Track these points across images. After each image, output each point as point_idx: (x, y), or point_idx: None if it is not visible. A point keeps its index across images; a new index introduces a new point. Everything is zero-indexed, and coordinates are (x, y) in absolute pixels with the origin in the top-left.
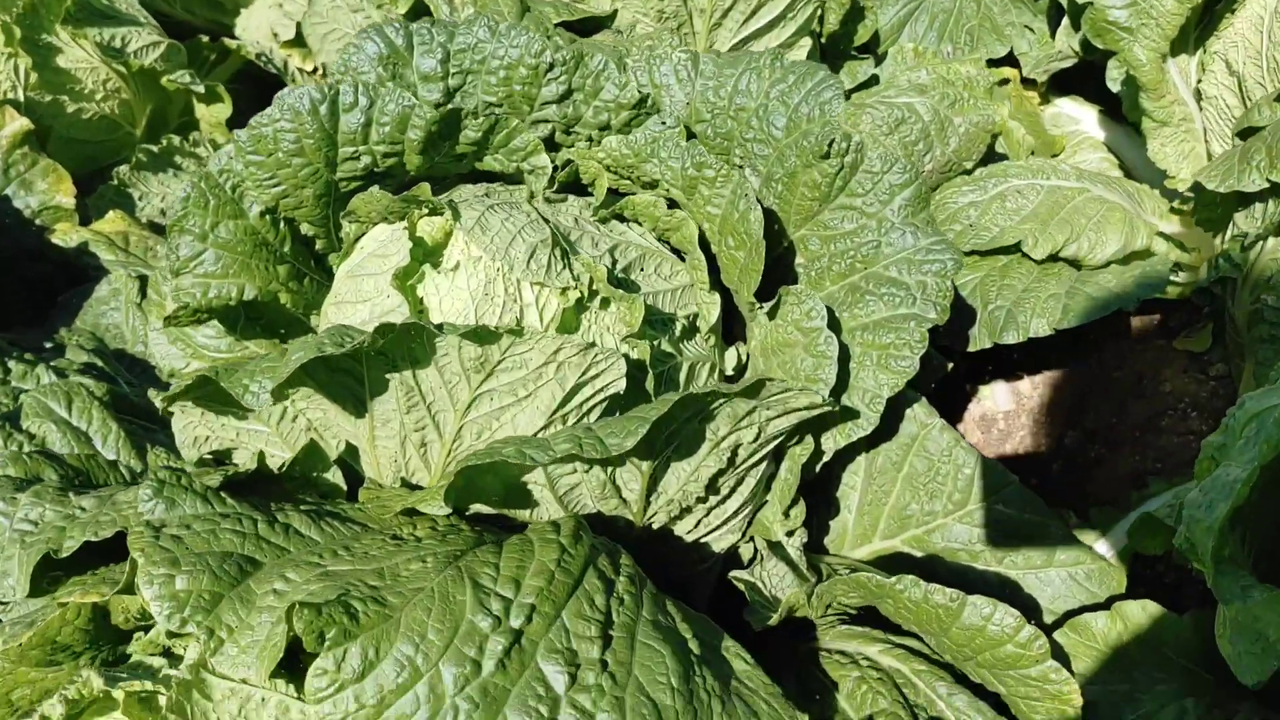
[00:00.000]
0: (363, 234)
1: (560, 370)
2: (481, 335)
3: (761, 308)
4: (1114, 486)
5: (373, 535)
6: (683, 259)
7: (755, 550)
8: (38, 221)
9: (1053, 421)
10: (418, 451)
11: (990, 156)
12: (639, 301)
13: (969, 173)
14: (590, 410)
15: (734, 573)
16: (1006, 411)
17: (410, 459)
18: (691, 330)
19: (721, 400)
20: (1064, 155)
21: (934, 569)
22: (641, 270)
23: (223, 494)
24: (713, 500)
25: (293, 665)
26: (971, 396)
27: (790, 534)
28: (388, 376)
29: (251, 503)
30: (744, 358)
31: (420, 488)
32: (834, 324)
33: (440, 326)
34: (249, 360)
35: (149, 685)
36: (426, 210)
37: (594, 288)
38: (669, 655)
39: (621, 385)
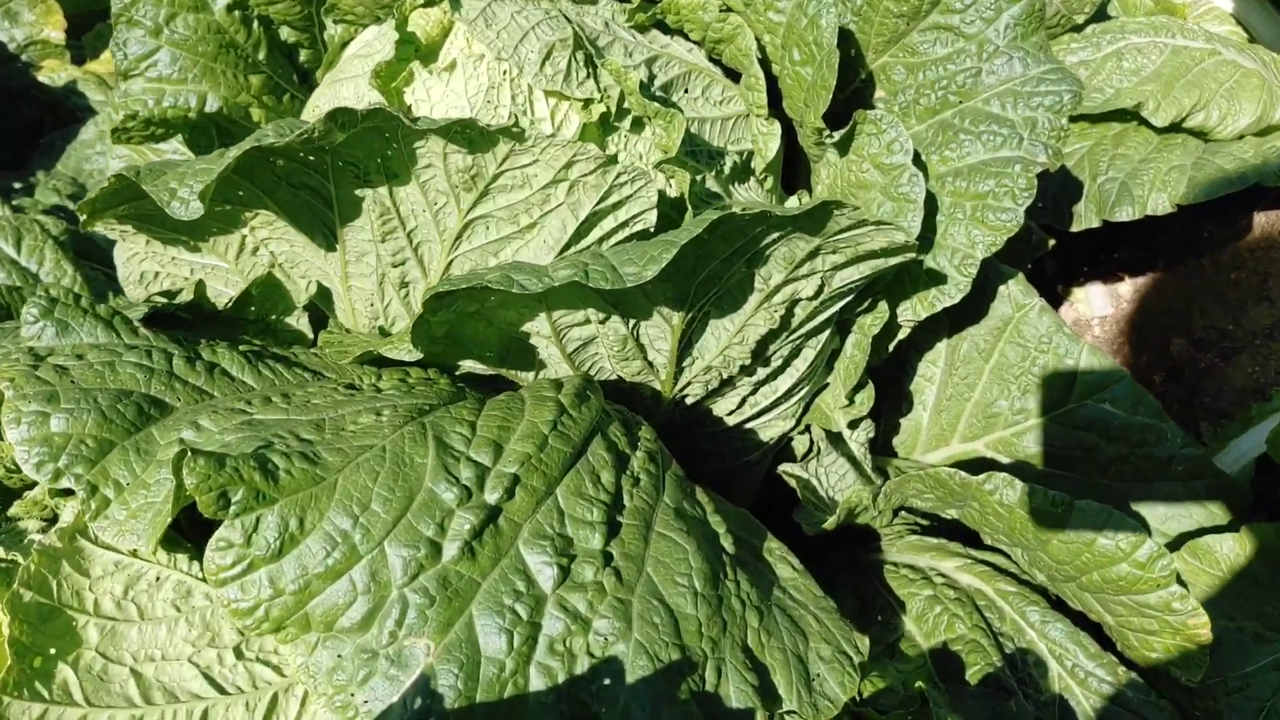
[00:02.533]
0: (350, 39)
1: (573, 192)
2: (471, 135)
3: (831, 137)
4: (1228, 399)
5: (323, 383)
6: (737, 81)
7: (811, 442)
8: (23, 57)
9: (1157, 328)
10: (398, 293)
11: (1102, 19)
12: (679, 120)
13: (1079, 29)
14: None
15: (784, 466)
16: (1103, 316)
17: (390, 303)
18: (744, 170)
19: (775, 233)
20: None
21: (1021, 478)
22: (685, 91)
23: (137, 325)
24: (761, 372)
25: (201, 535)
26: (1063, 299)
27: (854, 425)
28: (359, 194)
29: (173, 337)
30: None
31: None
32: (919, 166)
33: (416, 119)
34: (182, 161)
35: (2, 554)
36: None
37: (624, 104)
38: (694, 552)
39: (652, 218)
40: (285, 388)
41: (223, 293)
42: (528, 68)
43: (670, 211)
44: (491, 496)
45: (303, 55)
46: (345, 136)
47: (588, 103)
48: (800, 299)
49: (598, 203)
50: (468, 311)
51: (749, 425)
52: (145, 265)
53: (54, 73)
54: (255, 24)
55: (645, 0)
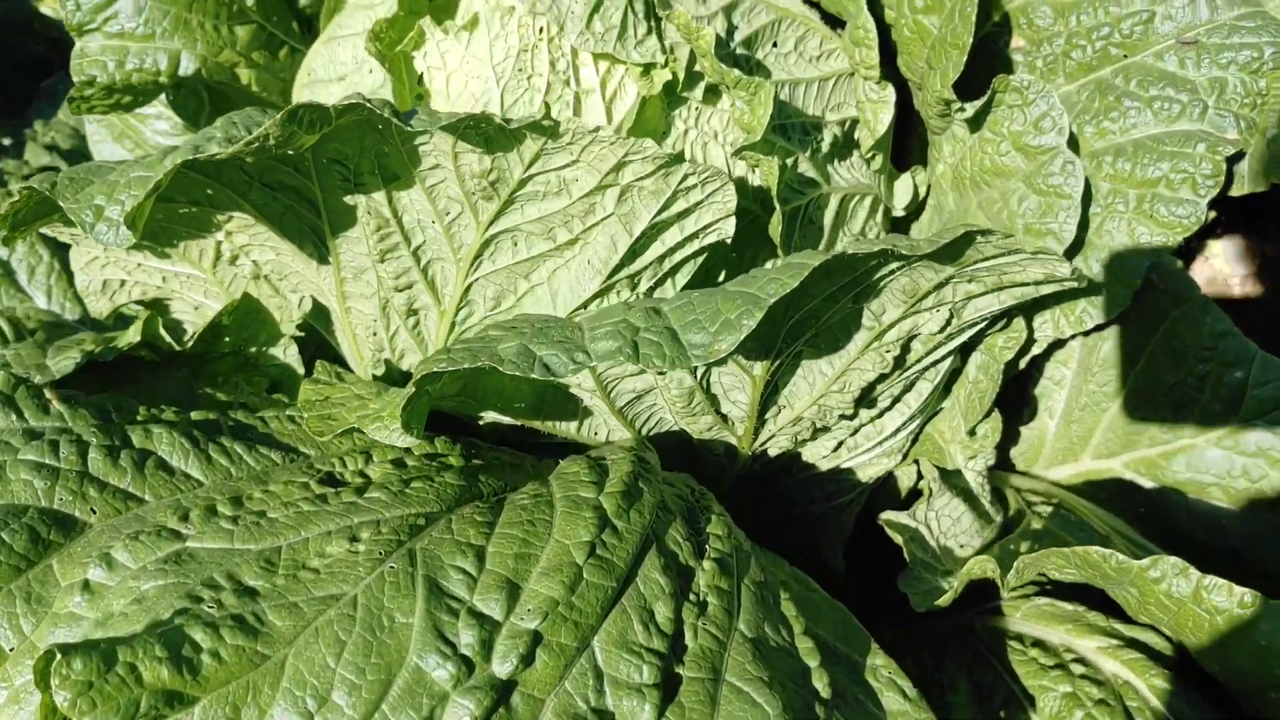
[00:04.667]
0: None
1: (625, 200)
2: (487, 131)
3: (962, 110)
4: None
5: (293, 472)
6: (837, 29)
7: (919, 477)
8: None
9: None
10: (405, 321)
11: None
12: (765, 92)
13: None
14: (678, 267)
15: (886, 515)
16: (1245, 274)
17: (396, 333)
18: (846, 144)
19: (894, 264)
20: None
21: (1167, 508)
22: (774, 45)
23: (49, 398)
24: (864, 416)
25: None
26: (1197, 253)
27: (973, 458)
28: (350, 201)
29: (101, 407)
30: (921, 190)
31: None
32: (1071, 144)
33: (411, 116)
34: (116, 167)
35: None
36: None
37: (695, 66)
38: (778, 715)
39: (729, 228)
40: (238, 487)
41: (203, 304)
42: (570, 24)
43: (753, 205)
44: (503, 668)
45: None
46: (318, 138)
47: (648, 68)
48: (920, 334)
49: (658, 212)
50: (469, 374)
51: (845, 466)
52: (108, 272)
53: (58, 2)
54: None
55: None
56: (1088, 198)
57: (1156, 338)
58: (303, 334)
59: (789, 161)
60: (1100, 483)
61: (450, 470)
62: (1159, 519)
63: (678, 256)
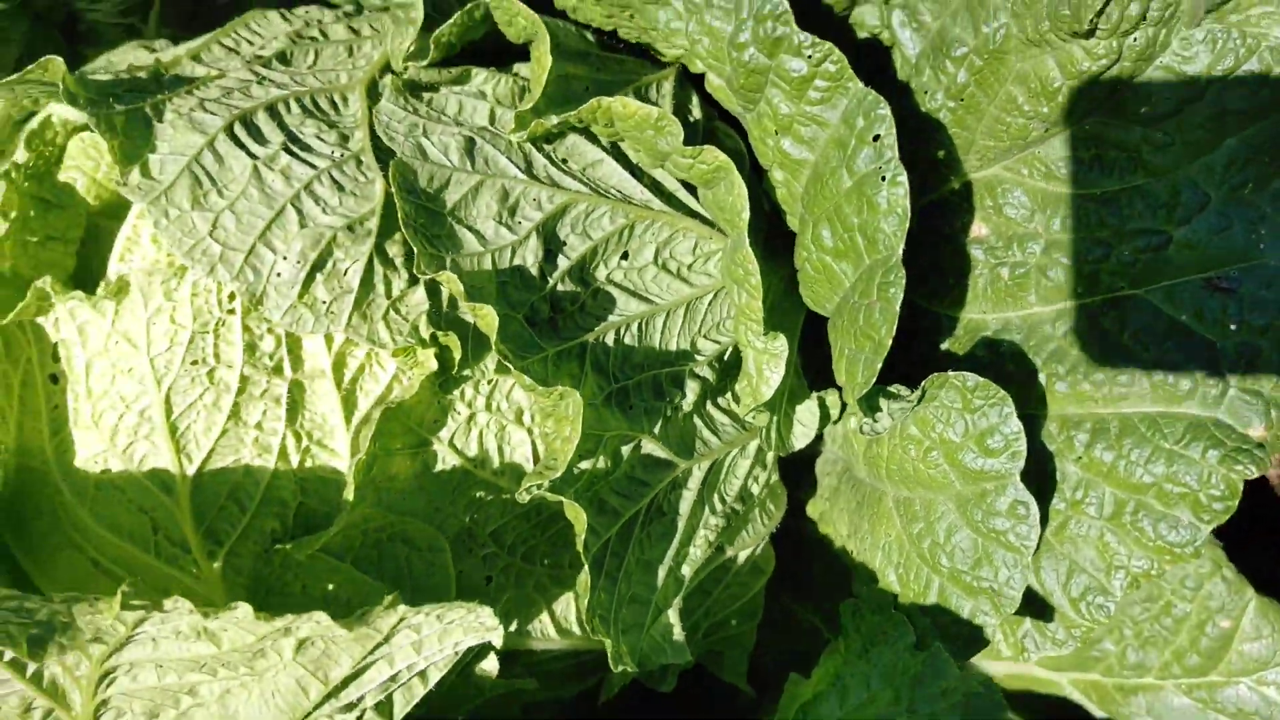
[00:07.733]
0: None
1: (308, 649)
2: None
3: (873, 421)
4: None
5: None
6: (718, 228)
7: None
8: None
9: None
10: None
11: None
12: (572, 404)
13: None
14: (408, 683)
15: None
16: None
17: None
18: (722, 382)
19: None
20: None
21: None
22: (622, 260)
23: None
24: None
25: None
26: None
27: None
28: None
29: None
30: (834, 412)
31: None
32: (1028, 409)
33: None
34: None
35: None
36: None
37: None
38: None
39: (497, 639)
40: None
41: None
42: (274, 297)
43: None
44: None
45: None
46: None
47: (406, 352)
48: None
49: (366, 655)
50: None
51: None
52: None
53: None
54: None
55: (563, 80)
56: (1050, 484)
57: None
58: None
59: (626, 450)
60: (1040, 696)
61: None
62: None
63: (418, 669)
